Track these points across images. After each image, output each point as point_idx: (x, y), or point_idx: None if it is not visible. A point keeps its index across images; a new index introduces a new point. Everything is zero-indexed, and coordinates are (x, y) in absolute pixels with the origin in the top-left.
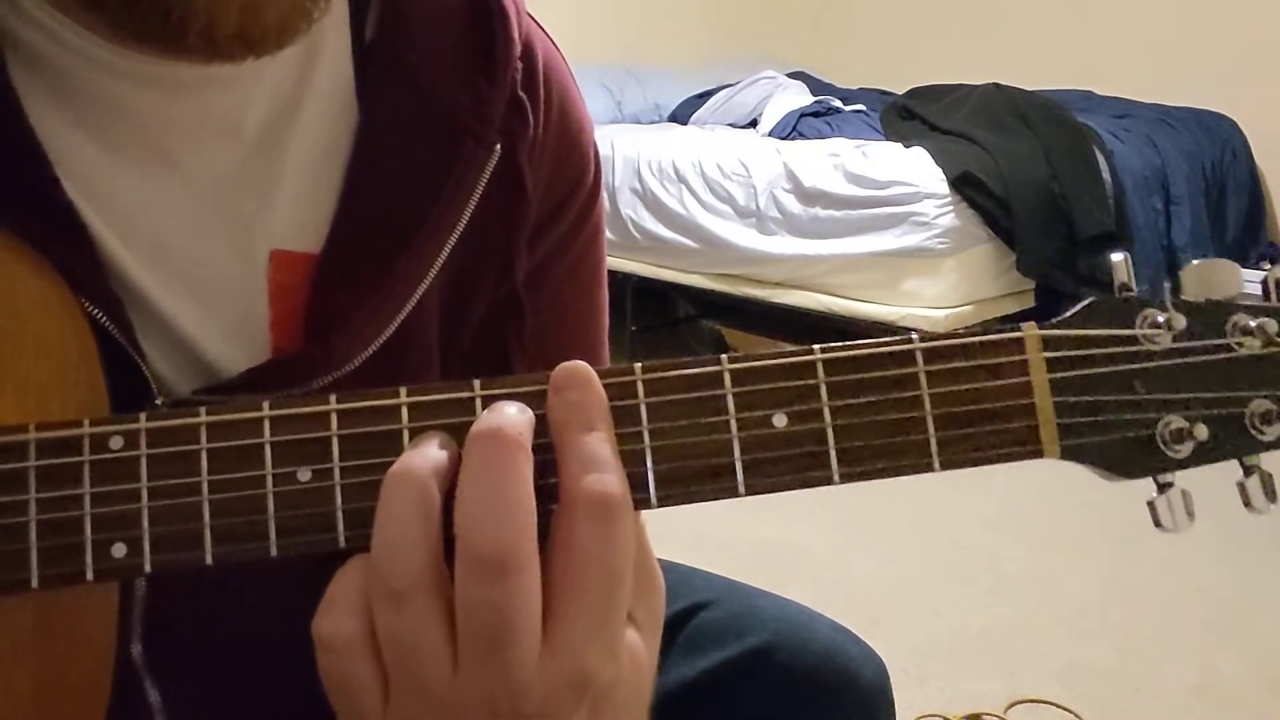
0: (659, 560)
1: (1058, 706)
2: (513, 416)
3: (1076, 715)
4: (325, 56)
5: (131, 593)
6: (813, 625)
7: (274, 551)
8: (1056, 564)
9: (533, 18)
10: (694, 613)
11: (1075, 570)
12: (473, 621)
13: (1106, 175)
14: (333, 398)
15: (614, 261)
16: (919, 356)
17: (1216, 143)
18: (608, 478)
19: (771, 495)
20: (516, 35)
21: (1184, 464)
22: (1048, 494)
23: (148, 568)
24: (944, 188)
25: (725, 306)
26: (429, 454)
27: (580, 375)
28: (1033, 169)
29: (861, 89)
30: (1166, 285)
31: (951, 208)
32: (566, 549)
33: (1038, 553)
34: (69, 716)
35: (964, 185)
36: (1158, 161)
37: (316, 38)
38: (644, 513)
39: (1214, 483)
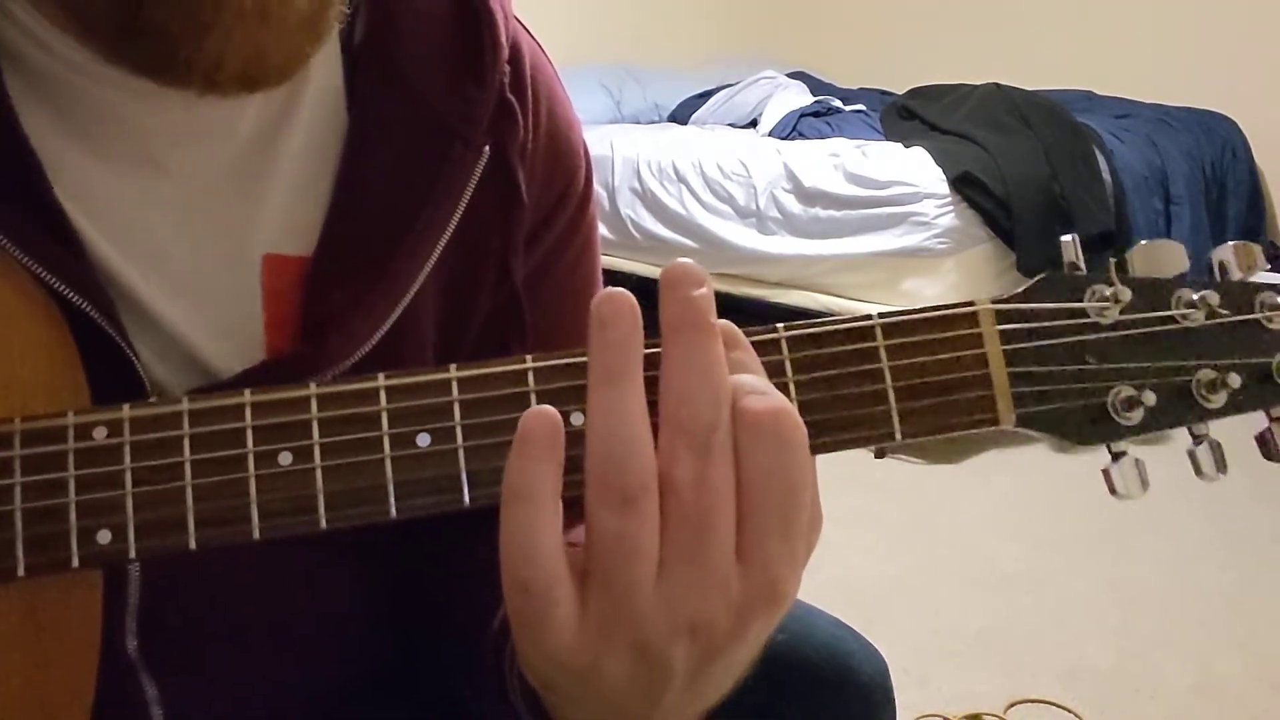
0: None
1: (1058, 706)
2: (703, 304)
3: (1076, 715)
4: (315, 61)
5: (125, 590)
6: (813, 621)
7: (257, 535)
8: (1056, 564)
9: (519, 20)
10: None
11: (1075, 570)
12: (682, 504)
13: (1106, 175)
14: (313, 384)
15: (614, 261)
16: (878, 331)
17: (1216, 143)
18: (775, 397)
19: None
20: (503, 38)
21: (1135, 431)
22: (1048, 494)
23: (132, 554)
24: (944, 188)
25: (725, 306)
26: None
27: (729, 332)
28: (1033, 169)
29: (861, 89)
30: (1112, 261)
31: (951, 208)
32: (744, 464)
33: (1038, 553)
34: (56, 710)
35: (964, 185)
36: (1158, 161)
37: None
38: None
39: (1213, 483)
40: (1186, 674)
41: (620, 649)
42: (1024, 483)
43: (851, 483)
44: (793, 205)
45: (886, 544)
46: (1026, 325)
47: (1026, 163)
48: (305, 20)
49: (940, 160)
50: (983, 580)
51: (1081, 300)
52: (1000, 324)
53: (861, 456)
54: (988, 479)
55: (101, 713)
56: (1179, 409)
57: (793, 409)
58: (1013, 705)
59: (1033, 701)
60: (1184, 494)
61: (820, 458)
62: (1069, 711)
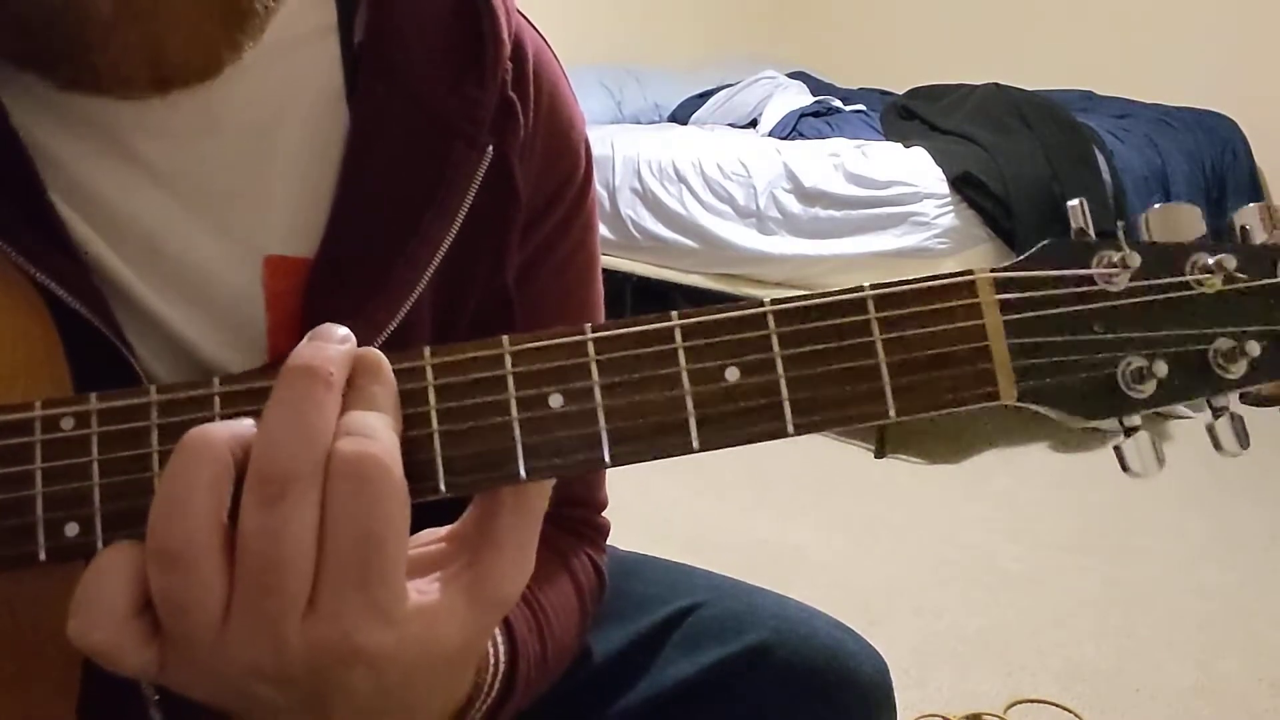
0: (657, 559)
1: (1057, 706)
2: (326, 352)
3: (1076, 715)
4: (311, 60)
5: None
6: (812, 622)
7: None
8: (1056, 564)
9: (523, 14)
10: (692, 610)
11: (1075, 570)
12: (247, 555)
13: (1106, 175)
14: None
15: (614, 261)
16: (870, 304)
17: (1216, 143)
18: (365, 440)
19: (770, 495)
20: (505, 35)
21: (1147, 404)
22: (1048, 494)
23: (100, 546)
24: (944, 188)
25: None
26: (235, 425)
27: (369, 362)
28: (1033, 169)
29: (861, 89)
30: (1120, 225)
31: (951, 208)
32: (324, 511)
33: (1038, 553)
34: (37, 705)
35: (964, 185)
36: (1158, 161)
37: (300, 41)
38: (637, 513)
39: (1214, 482)
40: (1186, 674)
41: (202, 691)
42: (1024, 483)
43: (851, 483)
44: (793, 205)
45: (886, 544)
46: (1028, 294)
47: (1026, 163)
48: (209, 9)
49: (940, 160)
50: (983, 580)
51: (1088, 266)
52: (1000, 293)
53: (861, 456)
54: (988, 479)
55: (98, 709)
56: (1194, 380)
57: (384, 454)
58: (1013, 705)
59: (1033, 701)
60: (1184, 494)
61: (820, 457)
62: (1069, 711)
